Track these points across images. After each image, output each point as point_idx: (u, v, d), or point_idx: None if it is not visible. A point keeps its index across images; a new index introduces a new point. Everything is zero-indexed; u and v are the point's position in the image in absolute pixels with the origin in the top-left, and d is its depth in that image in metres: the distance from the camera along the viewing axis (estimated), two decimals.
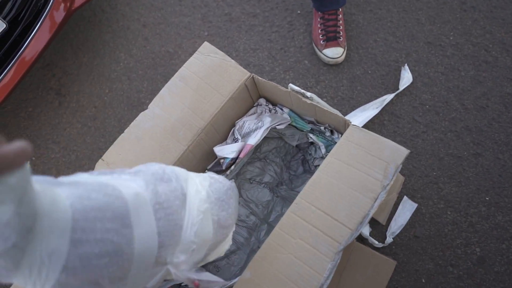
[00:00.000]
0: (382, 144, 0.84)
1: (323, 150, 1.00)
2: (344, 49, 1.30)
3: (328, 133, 0.99)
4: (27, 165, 0.43)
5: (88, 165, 1.38)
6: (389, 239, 1.06)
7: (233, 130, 1.03)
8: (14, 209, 0.42)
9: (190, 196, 0.67)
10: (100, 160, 0.95)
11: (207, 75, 1.00)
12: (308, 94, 0.94)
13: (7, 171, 0.40)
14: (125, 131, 0.96)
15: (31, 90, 1.53)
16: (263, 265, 0.80)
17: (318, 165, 1.11)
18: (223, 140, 1.06)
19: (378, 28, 1.34)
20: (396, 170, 0.81)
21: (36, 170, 1.41)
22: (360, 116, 1.18)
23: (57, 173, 1.39)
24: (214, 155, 1.04)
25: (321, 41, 1.29)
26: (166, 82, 0.99)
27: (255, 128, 1.03)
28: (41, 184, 0.49)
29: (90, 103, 1.46)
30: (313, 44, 1.33)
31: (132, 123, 0.97)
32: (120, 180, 0.61)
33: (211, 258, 0.74)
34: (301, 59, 1.33)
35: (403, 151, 0.83)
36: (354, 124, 1.11)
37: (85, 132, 1.42)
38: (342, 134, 1.00)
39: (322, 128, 1.00)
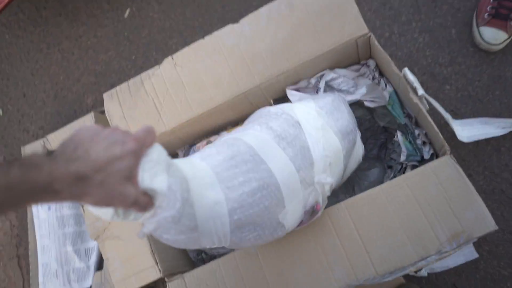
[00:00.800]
0: (470, 202, 0.66)
1: (403, 157, 0.83)
2: (509, 38, 0.98)
3: (419, 142, 0.80)
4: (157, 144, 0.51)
5: (176, 40, 1.30)
6: (424, 272, 0.93)
7: (321, 75, 0.87)
8: (167, 177, 0.49)
9: (303, 120, 0.69)
10: (169, 57, 0.86)
11: (319, 12, 0.81)
12: (421, 91, 0.74)
13: (145, 148, 0.47)
14: (206, 37, 0.84)
15: None
16: (271, 252, 0.73)
17: (393, 160, 0.94)
18: None
19: None
20: (466, 243, 0.65)
21: (132, 22, 1.36)
22: (476, 129, 0.94)
23: (148, 33, 1.34)
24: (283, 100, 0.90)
25: (486, 14, 0.98)
26: None
27: (345, 90, 0.86)
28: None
29: None
30: (474, 13, 1.03)
31: (215, 32, 0.84)
32: (235, 134, 0.68)
33: (352, 166, 0.76)
34: (449, 24, 1.04)
35: (489, 226, 0.65)
36: (463, 135, 0.90)
37: (188, 4, 1.31)
38: (434, 152, 0.81)
39: (416, 132, 0.81)
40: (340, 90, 0.88)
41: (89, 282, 1.05)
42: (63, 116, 1.38)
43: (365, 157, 1.00)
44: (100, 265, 1.11)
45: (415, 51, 1.05)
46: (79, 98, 1.37)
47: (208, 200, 0.56)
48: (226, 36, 0.84)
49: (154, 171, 0.48)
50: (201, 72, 0.84)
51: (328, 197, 0.78)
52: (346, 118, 0.72)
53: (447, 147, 0.71)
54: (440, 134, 0.73)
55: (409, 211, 0.68)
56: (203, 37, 0.85)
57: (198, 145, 0.92)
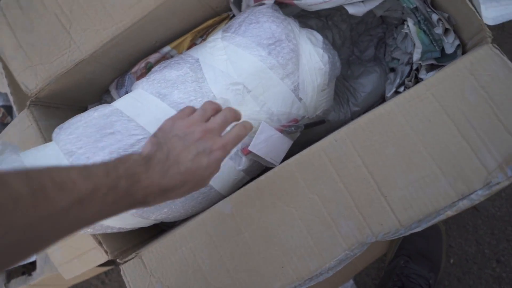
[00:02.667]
0: None
1: (417, 56, 0.60)
2: None
3: (439, 31, 0.57)
4: None
5: None
6: None
7: None
8: None
9: (203, 56, 0.59)
10: None
11: None
12: None
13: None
14: None
15: None
16: (251, 209, 0.53)
17: (397, 60, 0.72)
18: None
19: None
20: None
21: None
22: (504, 6, 0.71)
23: None
24: None
25: None
26: None
27: None
28: None
29: None
30: None
31: None
32: None
33: (316, 79, 0.61)
34: None
35: None
36: (487, 16, 0.67)
37: None
38: (463, 44, 0.58)
39: (434, 17, 0.58)
40: None
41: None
42: None
43: (358, 61, 0.78)
44: None
45: None
46: None
47: None
48: None
49: None
50: None
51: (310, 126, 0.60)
52: (267, 28, 0.58)
53: (487, 31, 0.49)
54: (475, 13, 0.50)
55: (439, 131, 0.48)
56: None
57: (134, 69, 0.67)
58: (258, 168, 0.64)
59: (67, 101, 0.69)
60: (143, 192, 0.39)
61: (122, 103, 0.56)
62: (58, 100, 0.67)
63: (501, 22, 0.71)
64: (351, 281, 0.82)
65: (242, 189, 0.54)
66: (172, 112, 0.54)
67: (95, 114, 0.55)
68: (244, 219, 0.54)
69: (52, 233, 0.31)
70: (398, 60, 0.71)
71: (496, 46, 0.48)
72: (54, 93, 0.64)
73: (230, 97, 0.56)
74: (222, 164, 0.49)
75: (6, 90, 0.83)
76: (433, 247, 0.74)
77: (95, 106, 0.70)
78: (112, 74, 0.69)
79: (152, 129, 0.53)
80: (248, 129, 0.48)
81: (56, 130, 0.55)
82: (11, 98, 0.84)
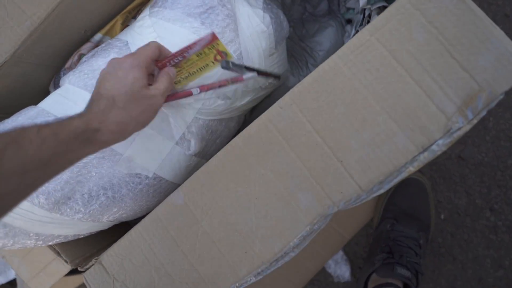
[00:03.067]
0: (484, 39, 0.40)
1: (362, 2, 0.54)
2: None
3: None
4: None
5: None
6: None
7: None
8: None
9: (132, 38, 0.54)
10: None
11: None
12: None
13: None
14: None
15: None
16: (203, 196, 0.49)
17: (352, 10, 0.66)
18: None
19: None
20: (486, 106, 0.40)
21: None
22: None
23: None
24: None
25: None
26: None
27: None
28: None
29: None
30: None
31: None
32: None
33: (259, 44, 0.55)
34: None
35: None
36: None
37: None
38: None
39: None
40: None
41: (13, 274, 0.83)
42: None
43: (313, 18, 0.72)
44: None
45: None
46: None
47: None
48: None
49: None
50: None
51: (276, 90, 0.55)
52: None
53: None
54: None
55: (389, 80, 0.43)
56: None
57: (68, 64, 0.62)
58: (215, 149, 0.60)
59: (4, 110, 0.64)
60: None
61: (49, 102, 0.51)
62: None
63: None
64: (341, 252, 0.78)
65: (191, 176, 0.50)
66: None
67: (20, 119, 0.51)
68: (199, 207, 0.49)
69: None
70: (353, 9, 0.65)
71: None
72: None
73: None
74: (169, 150, 0.45)
75: None
76: (419, 205, 0.69)
77: None
78: (47, 72, 0.64)
79: None
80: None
81: None
82: None
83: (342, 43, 0.66)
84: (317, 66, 0.68)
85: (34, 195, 0.48)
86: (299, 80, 0.68)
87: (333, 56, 0.45)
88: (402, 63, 0.42)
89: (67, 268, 0.58)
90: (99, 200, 0.51)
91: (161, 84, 0.45)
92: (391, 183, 0.43)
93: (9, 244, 0.52)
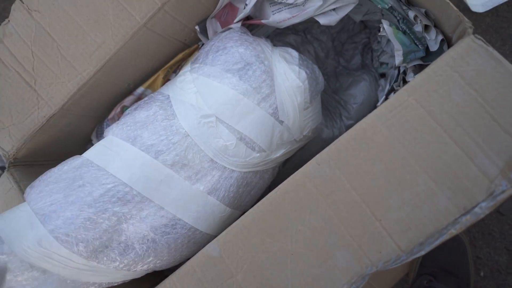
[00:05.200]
0: None
1: (398, 59, 0.55)
2: None
3: (419, 28, 0.52)
4: None
5: None
6: None
7: None
8: None
9: (173, 91, 0.56)
10: (17, 2, 0.56)
11: None
12: None
13: None
14: None
15: None
16: (239, 250, 0.49)
17: (386, 64, 0.67)
18: None
19: None
20: None
21: None
22: None
23: None
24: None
25: None
26: None
27: (291, 4, 0.57)
28: None
29: None
30: None
31: None
32: None
33: (295, 98, 0.57)
34: None
35: None
36: (475, 3, 0.63)
37: None
38: (444, 38, 0.53)
39: (411, 14, 0.53)
40: (286, 5, 0.58)
41: None
42: None
43: (346, 71, 0.73)
44: None
45: None
46: None
47: (28, 243, 0.50)
48: None
49: None
50: (70, 11, 0.55)
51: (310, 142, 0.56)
52: (234, 52, 0.55)
53: (467, 22, 0.44)
54: (451, 4, 0.45)
55: (428, 140, 0.43)
56: None
57: (111, 115, 0.65)
58: (250, 200, 0.60)
59: (49, 156, 0.67)
60: None
61: (93, 152, 0.54)
62: (39, 157, 0.65)
63: (491, 7, 0.65)
64: None
65: (228, 228, 0.50)
66: (143, 156, 0.51)
67: (65, 168, 0.53)
68: (234, 260, 0.49)
69: None
70: (387, 64, 0.66)
71: (479, 37, 0.43)
72: (33, 151, 0.62)
73: (203, 131, 0.53)
74: (204, 201, 0.45)
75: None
76: (458, 261, 0.67)
77: None
78: (90, 123, 0.67)
79: (124, 175, 0.50)
80: None
81: (27, 189, 0.53)
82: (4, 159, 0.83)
83: (376, 97, 0.67)
84: (350, 118, 0.69)
85: (74, 243, 0.49)
86: (333, 133, 0.69)
87: (371, 115, 0.45)
88: (441, 124, 0.42)
89: None
90: (135, 250, 0.52)
91: None
92: (432, 245, 0.42)
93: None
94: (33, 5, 0.55)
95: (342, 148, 0.46)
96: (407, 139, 0.43)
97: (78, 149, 0.71)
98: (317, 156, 0.47)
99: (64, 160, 0.70)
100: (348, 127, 0.69)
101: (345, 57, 0.72)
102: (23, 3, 0.55)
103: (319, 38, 0.70)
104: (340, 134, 0.69)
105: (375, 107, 0.68)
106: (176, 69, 0.65)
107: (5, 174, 0.61)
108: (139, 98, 0.65)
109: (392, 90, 0.61)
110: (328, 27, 0.70)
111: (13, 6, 0.56)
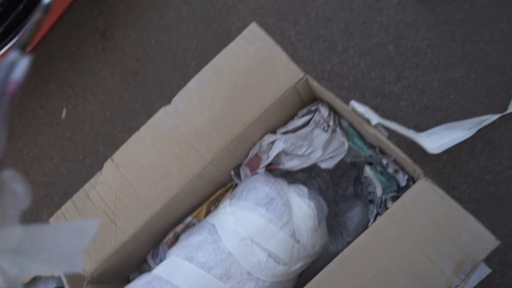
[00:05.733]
0: (463, 223, 0.60)
1: (379, 192, 0.77)
2: None
3: (391, 170, 0.75)
4: None
5: (120, 128, 1.25)
6: None
7: (272, 142, 0.82)
8: None
9: (217, 221, 0.76)
10: (109, 160, 0.80)
11: (248, 70, 0.77)
12: (374, 120, 0.70)
13: None
14: (141, 128, 0.79)
15: (77, 27, 1.38)
16: None
17: (372, 193, 0.88)
18: None
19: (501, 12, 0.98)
20: (473, 269, 0.58)
21: (71, 121, 1.31)
22: (443, 136, 0.90)
23: (90, 128, 1.29)
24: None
25: None
26: (218, 44, 0.78)
27: (300, 155, 0.81)
28: None
29: (133, 54, 1.30)
30: None
31: (150, 120, 0.79)
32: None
33: (308, 223, 0.76)
34: (385, 41, 1.03)
35: (490, 243, 0.58)
36: (432, 146, 0.86)
37: (124, 88, 1.28)
38: (409, 177, 0.75)
39: (384, 161, 0.76)
40: (297, 155, 0.82)
41: None
42: None
43: (343, 199, 0.95)
44: None
45: (360, 76, 1.02)
46: (34, 215, 1.28)
47: None
48: (162, 121, 0.79)
49: None
50: (147, 166, 0.78)
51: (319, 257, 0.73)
52: (262, 191, 0.76)
53: (419, 170, 0.66)
54: (408, 158, 0.68)
55: (404, 252, 0.62)
56: (147, 117, 0.80)
57: (165, 240, 0.84)
58: None
59: (114, 274, 0.84)
60: None
61: (160, 269, 0.72)
62: (107, 276, 0.83)
63: (444, 149, 0.89)
64: None
65: None
66: (199, 271, 0.69)
67: (140, 282, 0.70)
68: None
69: None
70: (373, 193, 0.88)
71: (428, 179, 0.64)
72: (105, 271, 0.80)
73: (242, 250, 0.72)
74: None
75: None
76: None
77: (135, 275, 0.86)
78: (148, 246, 0.86)
79: (185, 286, 0.68)
80: None
81: None
82: (64, 280, 1.00)
83: (367, 218, 0.87)
84: (349, 236, 0.88)
85: None
86: (337, 247, 0.88)
87: (363, 235, 0.65)
88: (411, 240, 0.62)
89: None
90: None
91: None
92: None
93: None
94: (119, 162, 0.79)
95: (344, 259, 0.64)
96: (389, 251, 0.62)
97: (134, 267, 0.89)
98: (327, 267, 0.65)
99: (123, 276, 0.87)
100: (349, 243, 0.88)
101: (341, 188, 0.94)
102: (113, 161, 0.79)
103: (321, 174, 0.93)
104: (343, 248, 0.87)
105: (367, 226, 0.88)
106: (215, 202, 0.86)
107: None
108: (187, 225, 0.85)
109: (377, 214, 0.81)
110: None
111: (105, 163, 0.79)
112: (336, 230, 0.88)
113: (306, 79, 0.76)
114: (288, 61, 0.76)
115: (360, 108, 0.71)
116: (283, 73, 0.76)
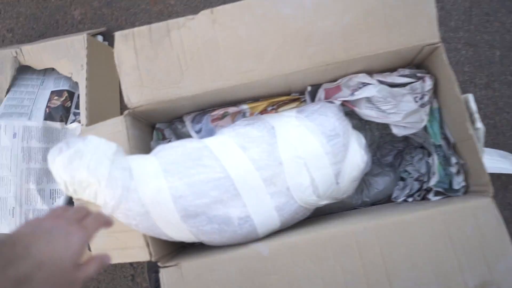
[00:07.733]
0: (504, 253, 0.63)
1: (433, 182, 0.78)
2: None
3: (454, 170, 0.76)
4: None
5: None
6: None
7: (363, 84, 0.78)
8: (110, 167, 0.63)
9: (277, 124, 0.75)
10: (208, 10, 0.72)
11: (394, 3, 0.70)
12: (479, 124, 0.68)
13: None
14: None
15: None
16: (284, 259, 0.67)
17: (408, 172, 0.90)
18: None
19: None
20: None
21: None
22: (494, 160, 0.92)
23: None
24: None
25: None
26: None
27: (382, 109, 0.78)
28: None
29: None
30: None
31: None
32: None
33: (351, 172, 0.76)
34: (496, 44, 0.98)
35: None
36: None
37: None
38: (466, 184, 0.77)
39: (453, 159, 0.76)
40: (378, 108, 0.79)
41: None
42: (41, 23, 1.17)
43: (378, 162, 0.96)
44: None
45: (455, 63, 0.98)
46: (64, 7, 1.16)
47: (151, 187, 0.64)
48: (283, 3, 0.71)
49: (99, 161, 0.61)
50: (244, 39, 0.72)
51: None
52: (332, 122, 0.74)
53: (491, 189, 0.67)
54: (487, 173, 0.68)
55: (440, 248, 0.65)
56: None
57: (214, 113, 0.81)
58: (291, 225, 0.78)
59: (148, 118, 0.81)
60: None
61: (212, 143, 0.70)
62: (144, 116, 0.79)
63: (489, 172, 0.91)
64: None
65: (281, 240, 0.68)
66: (249, 165, 0.68)
67: (190, 145, 0.68)
68: (276, 264, 0.67)
69: None
70: (409, 173, 0.89)
71: (493, 202, 0.66)
72: (146, 111, 0.76)
73: (292, 166, 0.71)
74: (269, 213, 0.61)
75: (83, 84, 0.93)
76: None
77: (163, 125, 0.83)
78: (190, 107, 0.82)
79: (232, 171, 0.67)
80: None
81: (159, 147, 0.68)
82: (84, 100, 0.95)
83: (392, 191, 0.89)
84: (369, 197, 0.91)
85: (180, 203, 0.64)
86: (352, 200, 0.90)
87: (411, 216, 0.66)
88: (452, 242, 0.64)
89: (146, 258, 0.72)
90: (211, 225, 0.67)
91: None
92: None
93: (121, 206, 0.64)
94: (218, 18, 0.71)
95: (385, 227, 0.66)
96: (428, 240, 0.65)
97: (166, 119, 0.86)
98: (365, 224, 0.67)
99: (152, 122, 0.84)
100: (363, 203, 0.91)
101: (382, 152, 0.94)
102: (212, 13, 0.71)
103: (373, 131, 0.92)
104: (356, 204, 0.90)
105: (388, 197, 0.90)
106: (274, 104, 0.83)
107: (121, 118, 0.74)
108: (239, 111, 0.82)
109: (411, 196, 0.84)
110: (383, 126, 0.92)
111: (202, 11, 0.71)
112: (359, 187, 0.90)
113: (438, 47, 0.72)
114: (433, 19, 0.70)
115: (474, 105, 0.69)
116: (423, 27, 0.71)
